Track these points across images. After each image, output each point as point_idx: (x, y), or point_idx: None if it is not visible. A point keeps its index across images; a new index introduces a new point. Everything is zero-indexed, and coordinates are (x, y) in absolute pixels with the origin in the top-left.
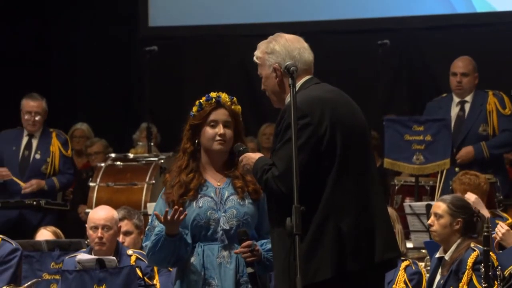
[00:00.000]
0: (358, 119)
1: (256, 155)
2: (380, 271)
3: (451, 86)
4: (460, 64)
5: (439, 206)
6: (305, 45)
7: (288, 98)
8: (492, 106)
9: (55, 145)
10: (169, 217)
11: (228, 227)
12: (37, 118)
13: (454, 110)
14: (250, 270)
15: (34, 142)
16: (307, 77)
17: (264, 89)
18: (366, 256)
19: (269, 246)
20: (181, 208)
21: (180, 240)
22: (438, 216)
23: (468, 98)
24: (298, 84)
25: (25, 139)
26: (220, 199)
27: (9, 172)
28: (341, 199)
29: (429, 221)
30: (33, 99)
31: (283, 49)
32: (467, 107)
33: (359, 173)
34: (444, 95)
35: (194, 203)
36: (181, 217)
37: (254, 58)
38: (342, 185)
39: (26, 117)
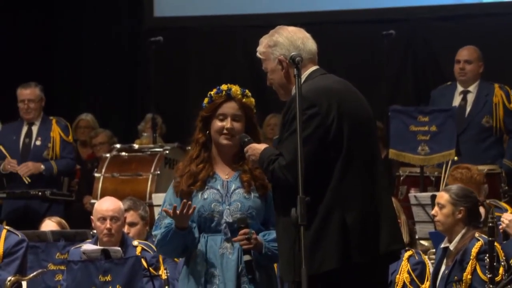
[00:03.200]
0: (365, 110)
1: (262, 146)
2: (384, 263)
3: (455, 74)
4: (464, 52)
5: (442, 196)
6: (308, 35)
7: (295, 89)
8: (499, 99)
9: (56, 131)
10: (178, 212)
11: (231, 220)
12: (31, 106)
13: (457, 100)
14: (247, 258)
15: (34, 129)
16: (313, 67)
17: (271, 84)
18: (371, 247)
19: (272, 237)
20: (189, 202)
21: (189, 233)
22: (441, 206)
23: (472, 88)
24: (304, 74)
25: (25, 128)
26: (226, 192)
27: (16, 166)
28: (347, 190)
29: (433, 211)
30: (26, 87)
31: (286, 40)
32: (469, 97)
33: (365, 165)
34: (449, 83)
35: (200, 194)
36: (190, 211)
37: (258, 54)
38: (348, 176)
39: (20, 105)
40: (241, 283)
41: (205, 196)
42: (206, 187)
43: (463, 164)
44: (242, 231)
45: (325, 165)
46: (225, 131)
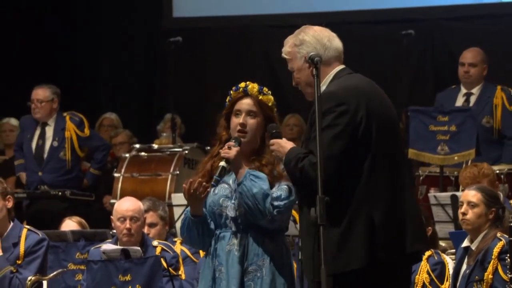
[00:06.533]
0: (390, 111)
1: (289, 145)
2: (408, 263)
3: (459, 76)
4: (469, 55)
5: (474, 194)
6: (333, 34)
7: (323, 87)
8: (499, 100)
9: (70, 129)
10: (192, 190)
11: (234, 215)
12: (38, 105)
13: (460, 101)
14: (222, 163)
15: (49, 130)
16: (340, 66)
17: (297, 83)
18: (397, 247)
19: (260, 175)
20: (205, 183)
21: (203, 223)
22: (472, 205)
23: (475, 90)
24: (331, 73)
25: (38, 129)
26: (235, 187)
27: None
28: (374, 188)
29: (463, 209)
30: (37, 87)
31: (313, 39)
32: (472, 99)
33: (392, 164)
34: (453, 86)
35: (212, 190)
36: (203, 195)
37: (283, 54)
38: (376, 175)
39: (31, 105)
40: (245, 281)
41: (216, 191)
42: (220, 182)
43: (470, 164)
44: (229, 142)
45: (354, 163)
46: (238, 127)
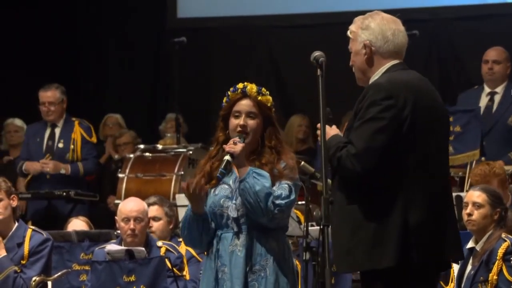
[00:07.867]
0: (441, 110)
1: (333, 131)
2: (440, 269)
3: (482, 74)
4: (493, 53)
5: (479, 195)
6: (402, 27)
7: (374, 77)
8: None
9: (77, 132)
10: (191, 190)
11: (235, 215)
12: (51, 108)
13: (484, 101)
14: (227, 157)
15: (57, 132)
16: (395, 61)
17: (352, 65)
18: (432, 250)
19: (263, 173)
20: (203, 183)
21: (204, 221)
22: (477, 206)
23: (499, 89)
24: (385, 66)
25: (48, 130)
26: (236, 187)
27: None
28: (413, 188)
29: (468, 210)
30: (46, 89)
31: (377, 27)
32: (496, 98)
33: (435, 165)
34: (476, 87)
35: (212, 190)
36: (202, 193)
37: (348, 32)
38: (415, 174)
39: (41, 108)
40: (249, 281)
41: (216, 192)
42: (220, 183)
43: (482, 162)
44: (233, 138)
45: (393, 159)
46: (238, 129)
